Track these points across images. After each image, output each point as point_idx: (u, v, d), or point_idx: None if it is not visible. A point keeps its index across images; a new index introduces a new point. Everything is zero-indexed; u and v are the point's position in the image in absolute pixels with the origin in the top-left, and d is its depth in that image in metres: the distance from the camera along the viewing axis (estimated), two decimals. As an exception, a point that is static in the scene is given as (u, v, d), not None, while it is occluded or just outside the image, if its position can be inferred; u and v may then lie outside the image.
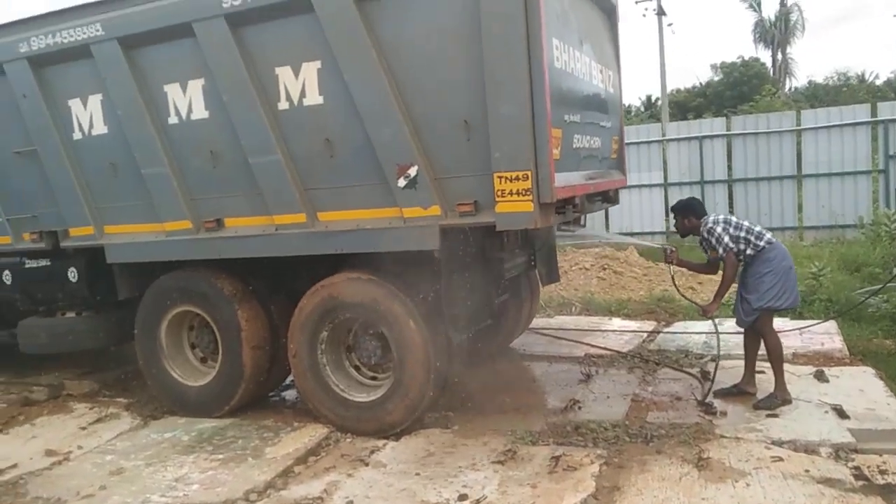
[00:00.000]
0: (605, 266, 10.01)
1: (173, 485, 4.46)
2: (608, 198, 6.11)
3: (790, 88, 39.11)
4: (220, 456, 4.88)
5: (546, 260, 6.68)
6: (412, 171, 4.66)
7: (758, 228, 5.08)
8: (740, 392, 5.28)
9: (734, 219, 5.15)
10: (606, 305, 8.81)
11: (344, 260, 5.15)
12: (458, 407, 5.57)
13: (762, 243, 4.98)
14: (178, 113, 5.42)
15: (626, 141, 15.98)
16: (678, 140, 15.13)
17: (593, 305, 8.90)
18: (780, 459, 4.12)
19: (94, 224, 5.95)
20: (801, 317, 7.75)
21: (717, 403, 5.15)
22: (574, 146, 5.10)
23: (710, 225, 5.13)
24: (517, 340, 7.31)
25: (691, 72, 74.70)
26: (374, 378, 5.34)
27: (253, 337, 5.47)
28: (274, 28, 4.94)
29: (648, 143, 15.12)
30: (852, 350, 6.33)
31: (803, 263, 9.27)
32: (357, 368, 5.39)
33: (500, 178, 4.40)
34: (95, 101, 5.71)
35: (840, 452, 4.19)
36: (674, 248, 5.70)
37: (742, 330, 5.38)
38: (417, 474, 4.34)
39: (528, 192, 4.35)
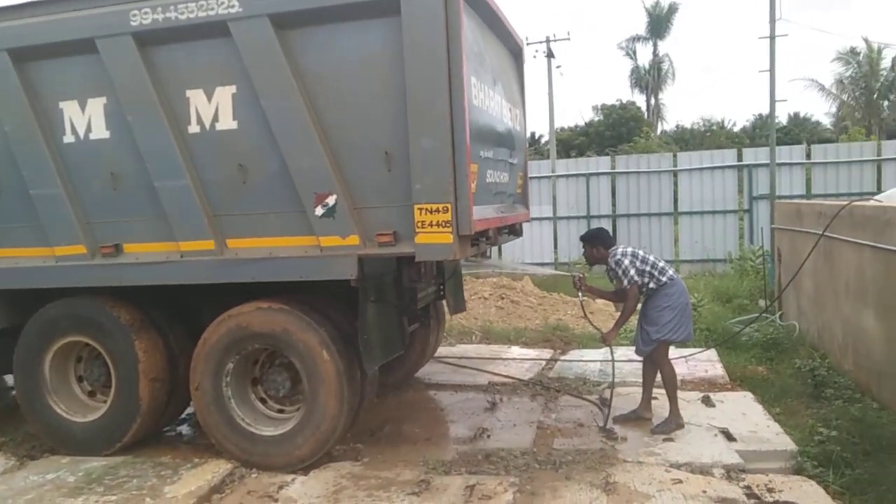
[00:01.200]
0: (503, 295, 10.28)
1: (63, 531, 4.12)
2: (514, 230, 6.32)
3: (661, 131, 42.07)
4: (114, 497, 4.56)
5: (454, 290, 6.80)
6: (331, 200, 4.64)
7: (661, 264, 5.42)
8: (638, 417, 5.57)
9: (641, 252, 5.46)
10: (505, 334, 9.04)
11: (251, 289, 5.01)
12: (368, 438, 5.52)
13: (664, 279, 5.32)
14: (74, 131, 5.12)
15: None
16: (567, 176, 15.90)
17: (492, 334, 9.10)
18: (680, 481, 4.38)
19: (-31, 246, 5.47)
20: (683, 344, 8.31)
21: (618, 429, 5.41)
22: (487, 181, 5.26)
23: (618, 256, 5.41)
24: (422, 370, 7.35)
25: (575, 112, 78.68)
26: (280, 411, 5.19)
27: (151, 369, 5.19)
28: (186, 49, 4.81)
29: (539, 178, 15.77)
30: (731, 376, 6.85)
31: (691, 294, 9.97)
32: (263, 401, 5.23)
33: (421, 209, 4.46)
34: (-23, 115, 5.29)
35: (731, 473, 4.52)
36: (582, 275, 5.94)
37: (636, 358, 5.71)
38: (332, 509, 4.25)
39: (448, 224, 4.44)
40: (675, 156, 15.88)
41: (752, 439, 5.04)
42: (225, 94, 4.79)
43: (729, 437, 5.08)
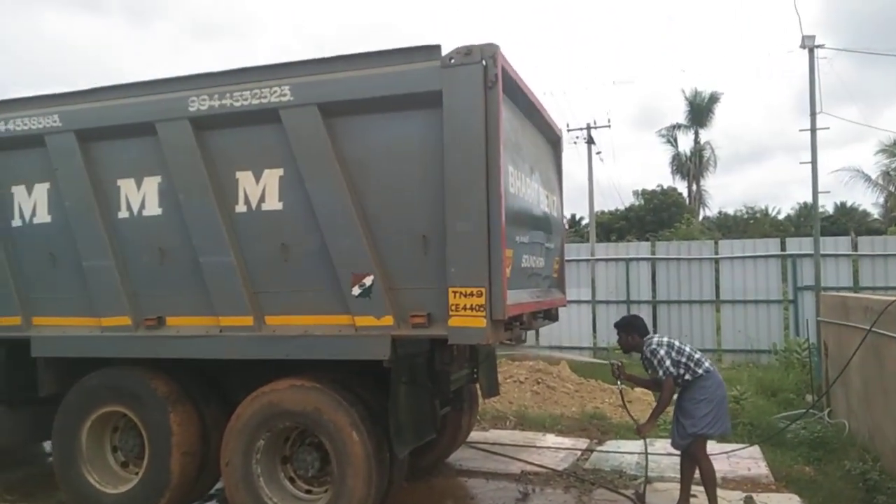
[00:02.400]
0: (539, 380, 10.13)
1: None
2: (549, 315, 6.31)
3: (703, 217, 41.89)
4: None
5: (487, 373, 6.76)
6: (367, 281, 4.73)
7: (698, 355, 5.32)
8: (676, 516, 5.35)
9: (677, 343, 5.38)
10: (540, 420, 8.85)
11: (286, 366, 5.07)
12: (394, 524, 5.40)
13: (700, 370, 5.21)
14: (129, 208, 5.38)
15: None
16: (606, 260, 15.84)
17: (527, 420, 8.92)
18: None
19: (21, 314, 5.69)
20: (724, 439, 8.02)
21: (655, 527, 5.20)
22: (522, 265, 5.32)
23: (653, 346, 5.34)
24: (453, 455, 7.22)
25: (616, 196, 79.15)
26: (308, 492, 5.14)
27: (184, 442, 5.22)
28: (238, 134, 5.06)
29: (578, 261, 15.74)
30: (776, 476, 6.55)
31: (734, 387, 9.66)
32: (292, 480, 5.19)
33: (455, 292, 4.51)
34: (42, 189, 5.61)
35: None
36: (621, 363, 5.84)
37: (675, 452, 5.52)
38: None
39: (482, 308, 4.46)
40: (716, 243, 15.74)
41: (798, 546, 4.78)
42: (272, 177, 5.00)
43: (772, 542, 4.83)
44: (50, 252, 5.59)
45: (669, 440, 5.54)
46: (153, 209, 5.33)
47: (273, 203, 5.02)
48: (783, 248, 14.71)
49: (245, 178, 5.07)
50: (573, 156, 43.32)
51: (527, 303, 5.20)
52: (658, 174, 74.44)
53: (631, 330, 5.60)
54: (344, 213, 4.75)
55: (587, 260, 15.98)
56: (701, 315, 14.93)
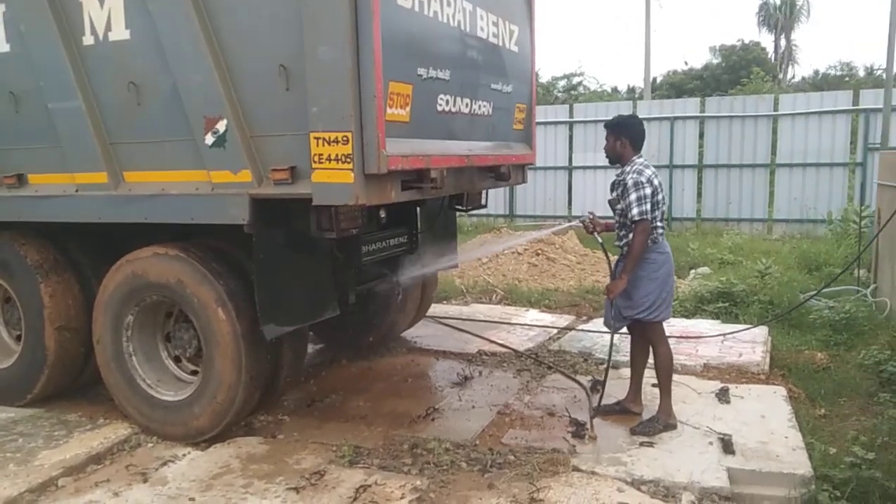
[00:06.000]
0: (539, 251, 9.14)
1: None
2: (501, 175, 5.19)
3: (792, 77, 38.00)
4: (-14, 458, 4.08)
5: (438, 241, 5.81)
6: (221, 126, 3.81)
7: (662, 209, 4.20)
8: (623, 410, 4.47)
9: (658, 181, 4.18)
10: (529, 295, 7.98)
11: (162, 230, 4.31)
12: (304, 409, 4.79)
13: (656, 234, 4.12)
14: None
15: (590, 118, 15.07)
16: (648, 120, 14.16)
17: (516, 294, 8.07)
18: (628, 508, 3.32)
19: None
20: (735, 319, 6.96)
21: (596, 424, 4.34)
22: (439, 108, 4.23)
23: (644, 175, 4.07)
24: (413, 330, 6.51)
25: (689, 53, 72.75)
26: (194, 373, 4.51)
27: (58, 316, 4.64)
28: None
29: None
30: (775, 363, 5.52)
31: (759, 259, 8.45)
32: (177, 360, 4.57)
33: (318, 139, 3.53)
34: None
35: (705, 501, 3.39)
36: (592, 213, 4.57)
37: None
38: (192, 500, 3.53)
39: (349, 160, 3.49)
40: (776, 98, 13.74)
41: (758, 453, 3.83)
42: (116, -2, 4.01)
43: (727, 447, 3.90)
44: None
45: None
46: (2, 45, 4.47)
47: (120, 31, 4.05)
48: (856, 101, 12.67)
49: (89, 2, 4.10)
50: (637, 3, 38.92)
51: (438, 155, 4.13)
52: (739, 28, 67.24)
53: (622, 132, 4.20)
54: (191, 40, 3.77)
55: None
56: (753, 181, 13.32)
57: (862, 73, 34.86)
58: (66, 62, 4.16)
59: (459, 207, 5.74)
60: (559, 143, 14.89)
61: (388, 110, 3.62)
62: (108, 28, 4.07)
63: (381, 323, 5.96)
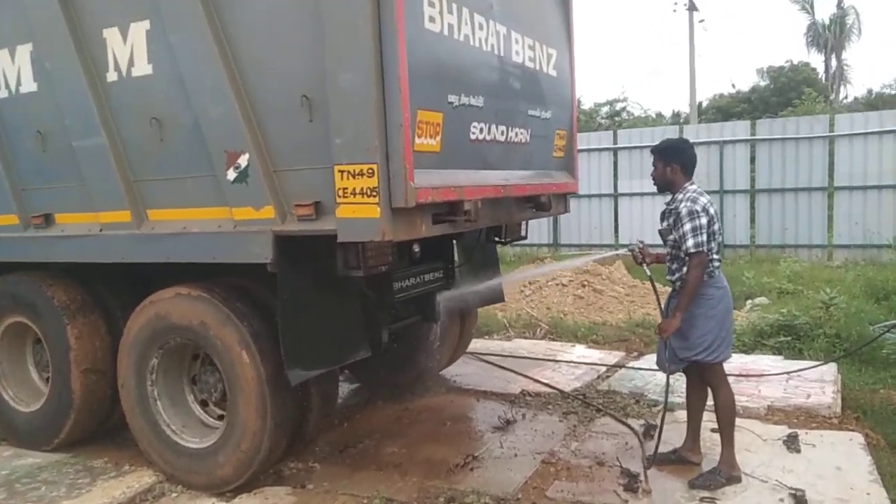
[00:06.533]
0: (586, 283, 8.77)
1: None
2: (541, 205, 4.91)
3: (845, 97, 36.83)
4: (6, 508, 3.93)
5: (478, 275, 5.52)
6: (243, 161, 3.64)
7: (719, 240, 3.86)
8: (680, 460, 4.07)
9: (714, 209, 3.85)
10: (575, 329, 7.60)
11: (189, 268, 4.14)
12: (336, 456, 4.53)
13: (712, 267, 3.79)
14: (7, 86, 4.51)
15: (635, 144, 14.68)
16: (696, 144, 13.67)
17: (561, 328, 7.70)
18: (692, 577, 2.94)
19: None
20: (799, 354, 6.46)
21: (650, 475, 3.96)
22: (472, 137, 3.99)
23: (698, 204, 3.75)
24: (453, 368, 6.22)
25: (735, 75, 71.28)
26: (221, 417, 4.30)
27: (85, 358, 4.50)
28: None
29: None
30: (847, 404, 5.03)
31: (822, 289, 7.90)
32: (204, 404, 4.37)
33: (342, 172, 3.33)
34: None
35: (779, 571, 2.99)
36: (642, 242, 4.24)
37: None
38: (210, 559, 3.30)
39: (374, 193, 3.26)
40: (832, 118, 13.15)
41: (837, 513, 3.41)
42: (139, 32, 3.91)
43: (801, 505, 3.48)
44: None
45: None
46: (29, 85, 4.43)
47: (143, 67, 3.95)
48: (919, 120, 12.02)
49: (113, 37, 4.02)
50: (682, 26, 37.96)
51: (471, 186, 3.88)
52: (787, 49, 65.83)
53: (672, 157, 3.90)
54: (212, 72, 3.63)
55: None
56: (809, 205, 12.70)
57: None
58: (90, 99, 4.08)
59: (498, 239, 5.46)
60: (603, 170, 14.52)
61: (417, 140, 3.40)
62: (131, 63, 3.98)
63: (417, 361, 5.69)
